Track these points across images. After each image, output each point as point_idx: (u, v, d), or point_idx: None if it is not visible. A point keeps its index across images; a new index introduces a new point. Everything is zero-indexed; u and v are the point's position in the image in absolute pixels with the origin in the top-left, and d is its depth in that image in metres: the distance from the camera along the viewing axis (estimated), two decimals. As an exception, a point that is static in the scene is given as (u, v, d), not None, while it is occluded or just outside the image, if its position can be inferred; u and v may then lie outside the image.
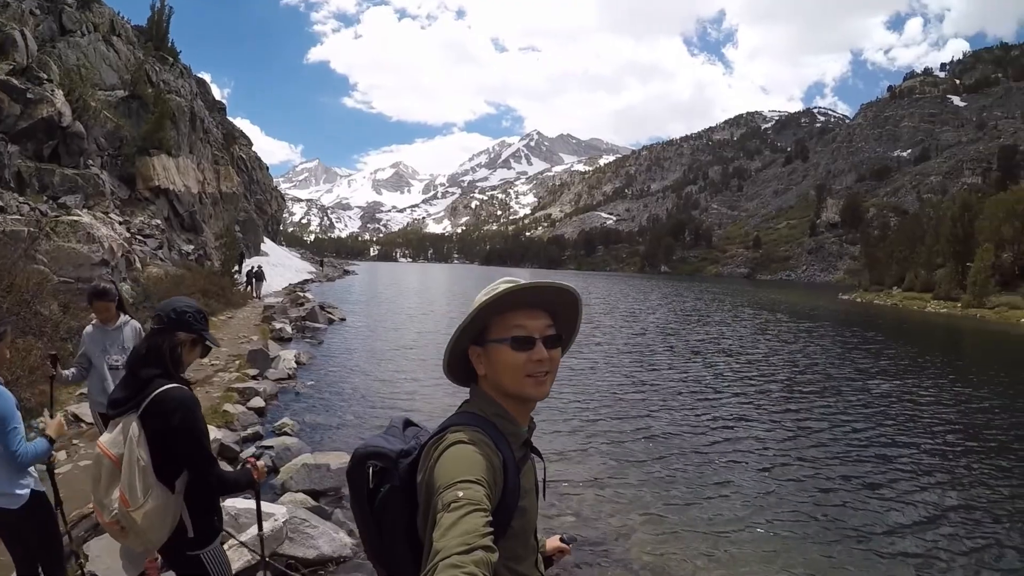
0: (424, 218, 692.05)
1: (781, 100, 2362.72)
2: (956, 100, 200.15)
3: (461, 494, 1.31)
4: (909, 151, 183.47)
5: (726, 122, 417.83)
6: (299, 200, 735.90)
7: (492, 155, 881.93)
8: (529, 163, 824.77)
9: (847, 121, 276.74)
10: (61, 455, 6.96)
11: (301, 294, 35.36)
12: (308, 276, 56.24)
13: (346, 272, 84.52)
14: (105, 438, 2.76)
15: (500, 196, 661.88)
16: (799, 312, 43.85)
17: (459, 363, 1.71)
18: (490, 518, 1.30)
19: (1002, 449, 10.86)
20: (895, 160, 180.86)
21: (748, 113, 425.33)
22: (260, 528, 3.58)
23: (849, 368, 19.32)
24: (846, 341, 26.99)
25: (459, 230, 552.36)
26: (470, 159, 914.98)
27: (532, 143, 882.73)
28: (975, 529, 7.39)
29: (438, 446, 1.50)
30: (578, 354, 18.66)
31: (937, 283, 61.04)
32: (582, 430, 10.93)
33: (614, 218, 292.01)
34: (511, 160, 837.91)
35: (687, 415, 12.41)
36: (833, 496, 8.32)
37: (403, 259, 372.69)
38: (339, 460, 7.53)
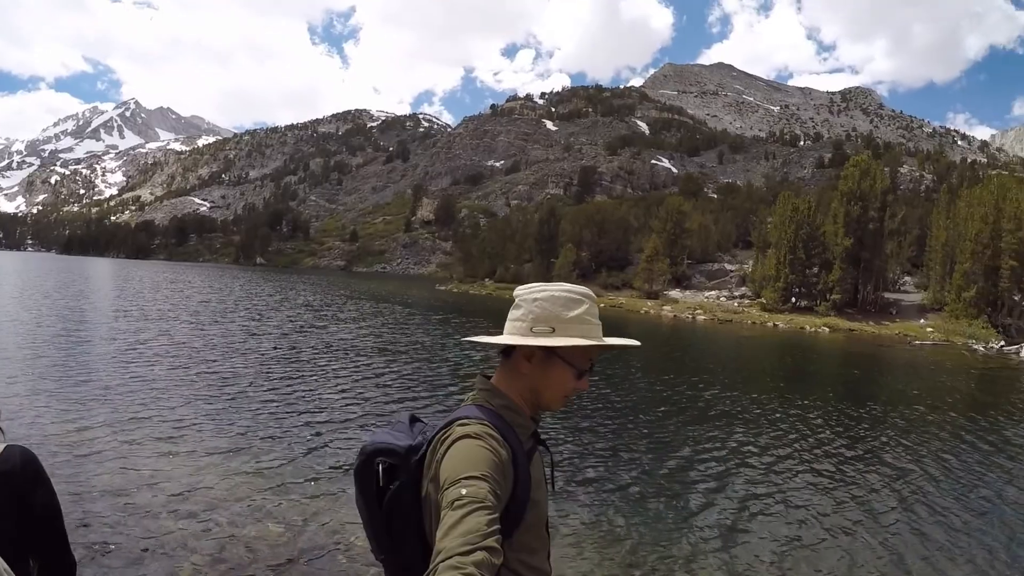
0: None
1: (391, 102, 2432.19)
2: (549, 124, 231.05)
3: (464, 492, 1.32)
4: (502, 162, 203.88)
5: (334, 116, 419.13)
6: None
7: (81, 122, 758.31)
8: (122, 136, 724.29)
9: (449, 129, 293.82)
10: None
11: None
12: None
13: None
14: None
15: (85, 172, 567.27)
16: (414, 303, 44.90)
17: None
18: (495, 516, 1.30)
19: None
20: (489, 169, 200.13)
21: (356, 110, 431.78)
22: None
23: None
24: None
25: (35, 210, 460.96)
26: (55, 124, 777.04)
27: (128, 113, 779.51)
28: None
29: (444, 441, 1.51)
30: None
31: (526, 276, 66.46)
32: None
33: (208, 205, 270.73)
34: (101, 130, 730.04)
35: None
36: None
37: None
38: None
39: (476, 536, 1.21)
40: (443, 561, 1.17)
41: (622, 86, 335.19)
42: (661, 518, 7.33)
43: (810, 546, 6.87)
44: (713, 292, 53.83)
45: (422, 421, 1.76)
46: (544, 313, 1.65)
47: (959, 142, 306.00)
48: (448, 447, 1.47)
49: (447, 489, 1.36)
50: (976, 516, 7.98)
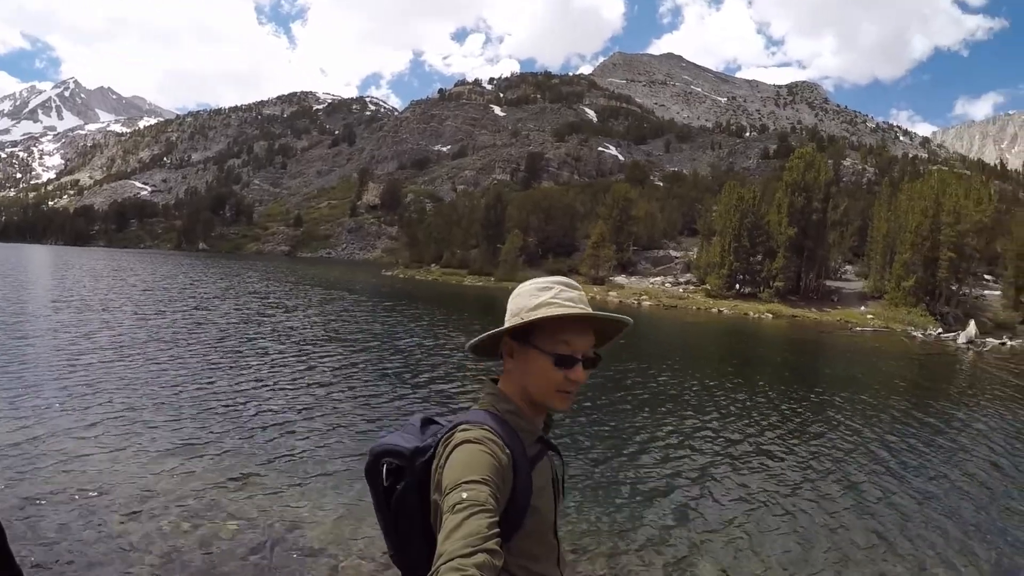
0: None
1: (338, 84, 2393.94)
2: (497, 110, 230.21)
3: (465, 496, 1.33)
4: (449, 147, 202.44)
5: (279, 98, 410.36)
6: None
7: (18, 102, 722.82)
8: (60, 117, 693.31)
9: (396, 113, 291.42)
10: None
11: None
12: None
13: None
14: None
15: (22, 154, 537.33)
16: (361, 289, 44.36)
17: (488, 345, 1.74)
18: (495, 519, 1.32)
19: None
20: (435, 153, 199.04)
21: (302, 92, 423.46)
22: None
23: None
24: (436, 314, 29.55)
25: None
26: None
27: (67, 93, 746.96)
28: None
29: (447, 446, 1.52)
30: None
31: (473, 260, 67.47)
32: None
33: (149, 189, 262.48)
34: (39, 111, 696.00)
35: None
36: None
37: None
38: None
39: (477, 539, 1.23)
40: (445, 563, 1.19)
41: (571, 73, 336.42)
42: (619, 506, 7.30)
43: (773, 529, 6.95)
44: (659, 278, 54.41)
45: (437, 423, 1.74)
46: (515, 306, 1.66)
47: (901, 138, 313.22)
48: (450, 452, 1.48)
49: (448, 493, 1.37)
50: (930, 495, 8.31)
